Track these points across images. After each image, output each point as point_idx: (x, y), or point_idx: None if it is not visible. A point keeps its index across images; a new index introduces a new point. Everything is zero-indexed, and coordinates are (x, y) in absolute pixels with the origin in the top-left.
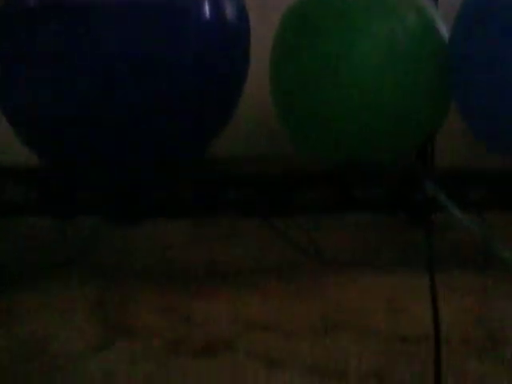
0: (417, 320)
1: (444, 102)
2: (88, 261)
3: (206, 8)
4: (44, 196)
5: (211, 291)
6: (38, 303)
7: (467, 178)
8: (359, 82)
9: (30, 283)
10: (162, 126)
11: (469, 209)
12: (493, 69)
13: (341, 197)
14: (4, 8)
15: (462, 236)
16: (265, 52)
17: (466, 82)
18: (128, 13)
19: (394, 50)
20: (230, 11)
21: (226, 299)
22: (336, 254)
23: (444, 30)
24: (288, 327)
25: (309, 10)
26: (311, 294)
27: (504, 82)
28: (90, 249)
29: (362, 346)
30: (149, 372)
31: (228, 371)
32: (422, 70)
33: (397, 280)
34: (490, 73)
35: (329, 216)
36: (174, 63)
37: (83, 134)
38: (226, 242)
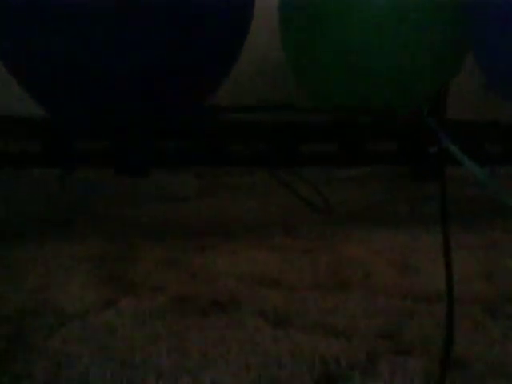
0: (428, 278)
1: (459, 51)
2: (90, 214)
3: None
4: (46, 147)
5: (216, 246)
6: (40, 258)
7: (481, 131)
8: (372, 28)
9: (32, 237)
10: (163, 73)
11: (483, 162)
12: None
13: (351, 149)
14: None
15: (475, 190)
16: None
17: (482, 31)
18: None
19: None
20: None
21: (231, 255)
22: (345, 208)
23: None
24: (295, 284)
25: None
26: (319, 249)
27: None
28: (92, 201)
29: (371, 304)
30: (155, 330)
31: (235, 329)
32: (437, 19)
33: (408, 236)
34: (506, 21)
35: (337, 169)
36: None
37: (85, 81)
38: (230, 195)
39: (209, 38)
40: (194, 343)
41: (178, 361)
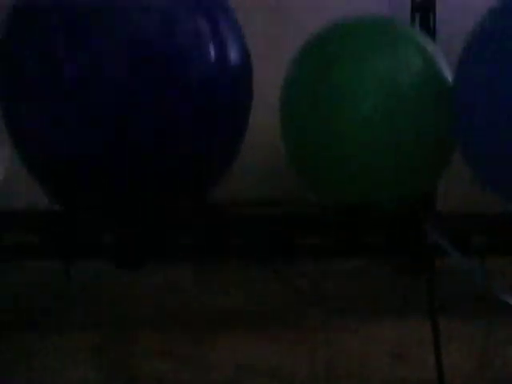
0: (420, 366)
1: (449, 145)
2: (88, 305)
3: (209, 49)
4: (46, 239)
5: (213, 337)
6: (41, 348)
7: (469, 223)
8: (365, 125)
9: (31, 328)
10: (165, 168)
11: (471, 255)
12: (496, 113)
13: (344, 242)
14: None
15: (464, 282)
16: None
17: (469, 126)
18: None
19: (398, 92)
20: (233, 54)
21: (228, 345)
22: (339, 300)
23: (447, 72)
24: (292, 375)
25: (320, 49)
26: (316, 341)
27: (509, 126)
28: (91, 294)
29: None
30: None
31: None
32: (425, 112)
33: (400, 326)
34: (493, 117)
35: (329, 261)
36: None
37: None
38: (227, 287)
39: (210, 131)
40: None
41: None
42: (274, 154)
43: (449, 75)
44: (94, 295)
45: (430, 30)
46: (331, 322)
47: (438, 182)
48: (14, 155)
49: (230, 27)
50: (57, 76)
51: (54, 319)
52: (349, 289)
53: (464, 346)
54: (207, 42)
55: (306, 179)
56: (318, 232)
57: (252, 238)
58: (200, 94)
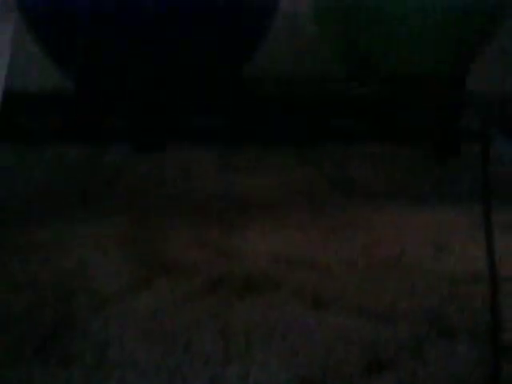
0: (462, 258)
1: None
2: (115, 192)
3: None
4: (69, 124)
5: (245, 225)
6: (70, 238)
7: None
8: None
9: (56, 216)
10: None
11: None
12: None
13: (376, 125)
14: None
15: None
16: None
17: None
18: None
19: None
20: None
21: (261, 234)
22: (368, 186)
23: None
24: (330, 264)
25: None
26: (348, 228)
27: None
28: (117, 180)
29: (409, 286)
30: (194, 313)
31: (276, 312)
32: None
33: (436, 215)
34: None
35: (359, 145)
36: None
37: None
38: (253, 172)
39: None
40: (237, 326)
41: (224, 346)
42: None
43: None
44: (116, 182)
45: None
46: (362, 208)
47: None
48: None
49: None
50: None
51: (78, 209)
52: (380, 174)
53: (507, 235)
54: None
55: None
56: (347, 114)
57: (279, 119)
58: None
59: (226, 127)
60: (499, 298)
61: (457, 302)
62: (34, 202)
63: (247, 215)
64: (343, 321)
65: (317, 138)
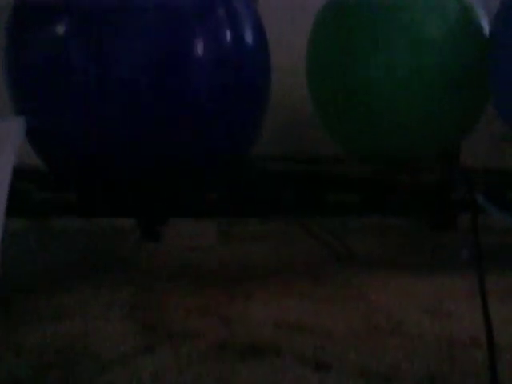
0: (460, 323)
1: (480, 98)
2: (118, 263)
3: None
4: (80, 198)
5: (246, 293)
6: (74, 305)
7: (502, 178)
8: (395, 76)
9: (63, 285)
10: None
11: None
12: None
13: (370, 199)
14: None
15: (495, 238)
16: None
17: (504, 73)
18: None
19: (431, 43)
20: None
21: (262, 301)
22: (366, 256)
23: (485, 23)
24: (330, 330)
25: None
26: (348, 296)
27: None
28: (118, 250)
29: (408, 350)
30: (198, 375)
31: (279, 374)
32: (461, 63)
33: (432, 282)
34: None
35: (354, 219)
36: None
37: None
38: (254, 243)
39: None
40: None
41: None
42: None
43: (486, 25)
44: (121, 255)
45: None
46: (361, 277)
47: (465, 137)
48: None
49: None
50: None
51: (82, 278)
52: (376, 245)
53: (502, 301)
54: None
55: (333, 133)
56: (346, 189)
57: (279, 193)
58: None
59: (229, 202)
60: (497, 365)
61: (456, 364)
62: (40, 272)
63: (249, 285)
64: (344, 382)
65: (317, 211)
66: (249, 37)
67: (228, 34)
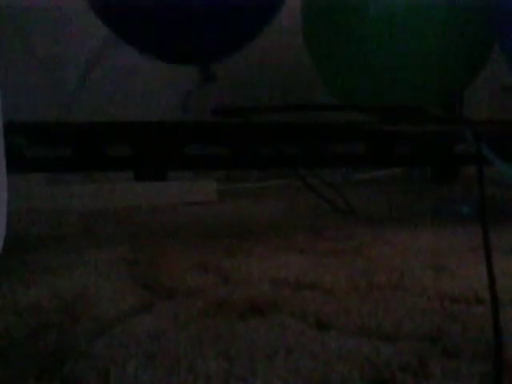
0: (463, 280)
1: (484, 48)
2: (113, 219)
3: None
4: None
5: (246, 250)
6: (70, 263)
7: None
8: (396, 25)
9: (62, 242)
10: None
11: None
12: None
13: (377, 151)
14: None
15: (501, 191)
16: None
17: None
18: None
19: None
20: None
21: (262, 258)
22: (369, 210)
23: None
24: (331, 286)
25: None
26: (349, 251)
27: None
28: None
29: (410, 306)
30: (197, 334)
31: (278, 333)
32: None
33: (435, 237)
34: None
35: (357, 171)
36: None
37: None
38: (253, 198)
39: None
40: (240, 347)
41: (226, 366)
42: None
43: None
44: (114, 210)
45: None
46: (363, 232)
47: (468, 86)
48: None
49: None
50: None
51: (76, 235)
52: (377, 198)
53: (506, 257)
54: None
55: (330, 83)
56: (346, 140)
57: (278, 146)
58: None
59: (225, 156)
60: (500, 321)
61: (459, 321)
62: (35, 230)
63: (248, 240)
64: (345, 341)
65: (316, 164)
66: None
67: None
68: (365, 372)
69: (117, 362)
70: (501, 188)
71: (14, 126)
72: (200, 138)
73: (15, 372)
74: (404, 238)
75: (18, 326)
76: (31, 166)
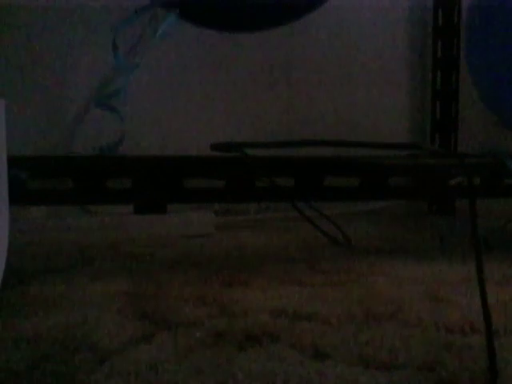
0: (458, 310)
1: None
2: (112, 252)
3: None
4: (76, 185)
5: (244, 282)
6: (71, 295)
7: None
8: None
9: (58, 274)
10: None
11: None
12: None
13: (372, 184)
14: None
15: (495, 222)
16: None
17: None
18: None
19: None
20: None
21: (260, 290)
22: (366, 242)
23: None
24: (328, 317)
25: None
26: (346, 283)
27: None
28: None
29: (407, 336)
30: (196, 364)
31: (276, 362)
32: None
33: (432, 268)
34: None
35: (354, 204)
36: None
37: None
38: (251, 230)
39: None
40: (238, 377)
41: None
42: None
43: None
44: (115, 241)
45: None
46: (359, 264)
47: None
48: None
49: None
50: None
51: (77, 267)
52: (373, 230)
53: (500, 287)
54: None
55: None
56: (340, 173)
57: (274, 179)
58: None
59: (223, 189)
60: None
61: (454, 351)
62: (37, 261)
63: (246, 273)
64: (342, 370)
65: (312, 197)
66: None
67: None
68: None
69: None
70: (498, 220)
71: (15, 159)
72: (200, 172)
73: None
74: (400, 269)
75: (18, 358)
76: (32, 198)
